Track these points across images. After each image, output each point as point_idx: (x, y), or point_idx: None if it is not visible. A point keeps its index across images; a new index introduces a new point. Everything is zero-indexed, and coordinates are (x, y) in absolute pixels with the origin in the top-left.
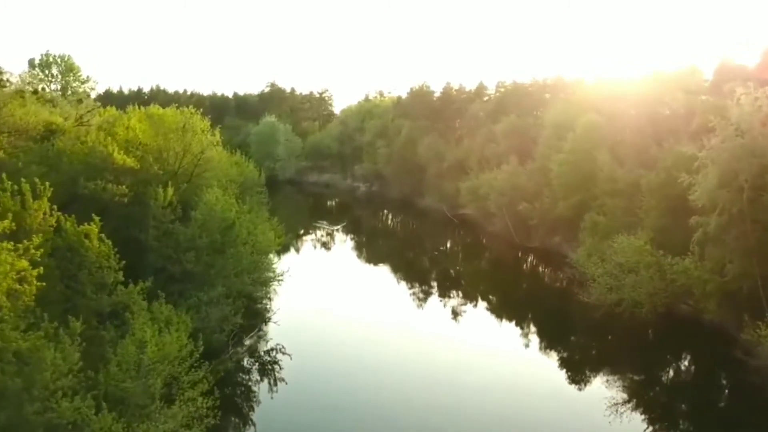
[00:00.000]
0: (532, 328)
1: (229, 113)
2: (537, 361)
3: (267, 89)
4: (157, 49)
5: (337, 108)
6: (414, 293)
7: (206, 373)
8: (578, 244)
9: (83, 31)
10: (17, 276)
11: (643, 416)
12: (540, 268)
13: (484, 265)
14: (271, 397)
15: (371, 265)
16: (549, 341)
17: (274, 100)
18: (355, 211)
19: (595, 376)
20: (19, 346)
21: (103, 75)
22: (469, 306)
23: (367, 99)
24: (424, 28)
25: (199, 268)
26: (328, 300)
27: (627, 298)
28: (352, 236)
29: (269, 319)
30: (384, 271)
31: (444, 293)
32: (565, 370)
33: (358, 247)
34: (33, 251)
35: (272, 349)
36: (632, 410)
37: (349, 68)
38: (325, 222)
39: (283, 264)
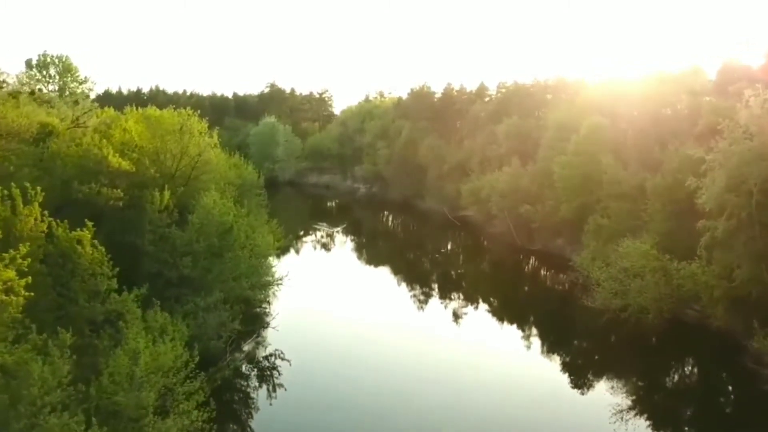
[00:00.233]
0: (535, 332)
1: (228, 114)
2: (539, 364)
3: (267, 90)
4: (156, 50)
5: (337, 109)
6: (415, 296)
7: (202, 382)
8: (581, 247)
9: (83, 32)
10: (3, 286)
11: (647, 422)
12: (542, 271)
13: (486, 267)
14: (270, 404)
15: (371, 268)
16: (552, 345)
17: (273, 100)
18: (355, 212)
19: (599, 382)
20: (4, 360)
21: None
22: (471, 309)
23: (367, 100)
24: (424, 29)
25: (196, 273)
26: (327, 303)
27: (632, 304)
28: (352, 238)
29: (268, 324)
30: (384, 273)
31: (445, 296)
32: (567, 374)
33: (358, 249)
34: (20, 261)
35: (271, 355)
36: (637, 417)
37: (349, 69)
38: (324, 224)
39: (283, 267)
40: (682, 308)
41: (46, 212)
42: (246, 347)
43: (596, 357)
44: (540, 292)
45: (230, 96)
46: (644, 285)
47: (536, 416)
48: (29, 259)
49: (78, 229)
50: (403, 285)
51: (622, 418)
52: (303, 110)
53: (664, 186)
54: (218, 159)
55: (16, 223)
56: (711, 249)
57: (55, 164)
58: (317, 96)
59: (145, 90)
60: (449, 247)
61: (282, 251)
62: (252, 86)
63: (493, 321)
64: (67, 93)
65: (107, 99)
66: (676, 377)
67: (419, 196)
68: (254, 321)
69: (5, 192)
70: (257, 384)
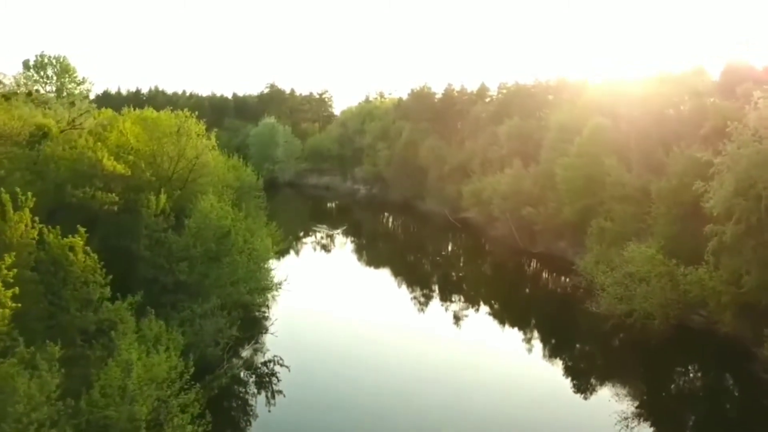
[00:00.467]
0: (536, 335)
1: (228, 114)
2: (540, 366)
3: (266, 90)
4: (156, 50)
5: (337, 109)
6: (415, 298)
7: (198, 393)
8: (584, 250)
9: (82, 32)
10: None
11: (651, 429)
12: (544, 274)
13: (487, 269)
14: (269, 410)
15: (372, 270)
16: (553, 348)
17: (273, 101)
18: (356, 214)
19: (601, 385)
20: None
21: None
22: (471, 311)
23: (367, 100)
24: (424, 29)
25: (192, 278)
26: (327, 307)
27: (638, 309)
28: (353, 240)
29: (267, 329)
30: (385, 275)
31: (446, 298)
32: (569, 377)
33: (359, 251)
34: (5, 272)
35: (270, 361)
36: (640, 422)
37: (349, 69)
38: (324, 225)
39: (282, 270)
40: (688, 314)
41: (37, 218)
42: (244, 353)
43: (599, 361)
44: (542, 295)
45: (230, 96)
46: (650, 290)
47: (537, 417)
48: (15, 270)
49: (71, 236)
50: (404, 287)
51: (626, 425)
52: (303, 111)
53: (669, 189)
54: (216, 161)
55: (6, 230)
56: (718, 254)
57: (49, 168)
58: (317, 96)
59: (145, 90)
60: (450, 249)
61: (282, 253)
62: (252, 87)
63: (494, 323)
64: (65, 94)
65: (106, 99)
66: (682, 384)
67: (420, 198)
68: (253, 325)
69: None
70: (255, 390)
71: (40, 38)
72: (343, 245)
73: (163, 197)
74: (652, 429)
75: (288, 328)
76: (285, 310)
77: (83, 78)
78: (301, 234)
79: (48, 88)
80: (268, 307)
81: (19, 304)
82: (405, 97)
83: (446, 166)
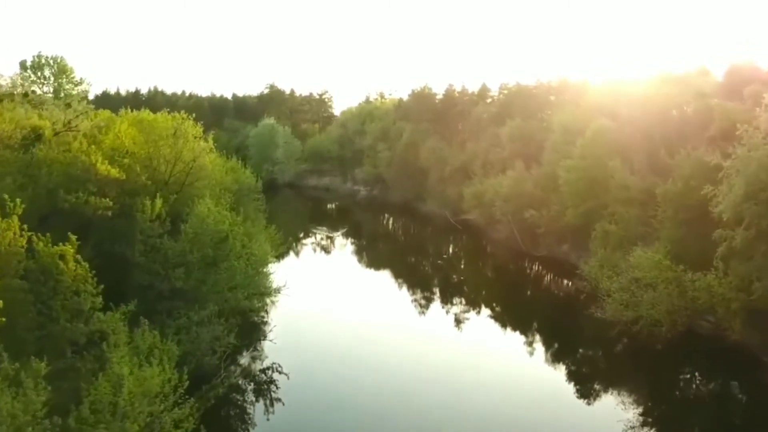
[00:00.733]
0: (538, 338)
1: (228, 115)
2: (542, 369)
3: (266, 91)
4: (155, 51)
5: (337, 110)
6: (416, 300)
7: (192, 407)
8: (588, 254)
9: (81, 33)
10: None
11: None
12: (547, 278)
13: (488, 272)
14: (267, 419)
15: (372, 272)
16: (556, 352)
17: (273, 101)
18: (356, 215)
19: (604, 390)
20: None
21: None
22: (473, 313)
23: (367, 101)
24: (425, 29)
25: (189, 284)
26: (327, 309)
27: (645, 316)
28: (353, 241)
29: (265, 335)
30: (385, 278)
31: (447, 300)
32: (571, 381)
33: (359, 253)
34: None
35: (268, 368)
36: (645, 430)
37: (349, 70)
38: (324, 227)
39: (282, 273)
40: (696, 319)
41: (26, 226)
42: (243, 360)
43: (602, 365)
44: (545, 299)
45: (229, 97)
46: (657, 297)
47: (537, 418)
48: (3, 279)
49: (62, 243)
50: (405, 290)
51: (630, 431)
52: (303, 111)
53: (675, 192)
54: (214, 164)
55: None
56: (728, 260)
57: (41, 171)
58: (317, 97)
59: (144, 91)
60: (451, 251)
61: (281, 256)
62: (251, 87)
63: (495, 326)
64: (62, 95)
65: (105, 100)
66: (689, 391)
67: (420, 199)
68: (251, 331)
69: None
70: (254, 398)
71: (38, 38)
72: (344, 247)
73: (158, 201)
74: None
75: (288, 331)
76: (285, 314)
77: (81, 79)
78: (301, 236)
79: (45, 89)
80: (267, 311)
81: (6, 316)
82: (405, 97)
83: (447, 168)
